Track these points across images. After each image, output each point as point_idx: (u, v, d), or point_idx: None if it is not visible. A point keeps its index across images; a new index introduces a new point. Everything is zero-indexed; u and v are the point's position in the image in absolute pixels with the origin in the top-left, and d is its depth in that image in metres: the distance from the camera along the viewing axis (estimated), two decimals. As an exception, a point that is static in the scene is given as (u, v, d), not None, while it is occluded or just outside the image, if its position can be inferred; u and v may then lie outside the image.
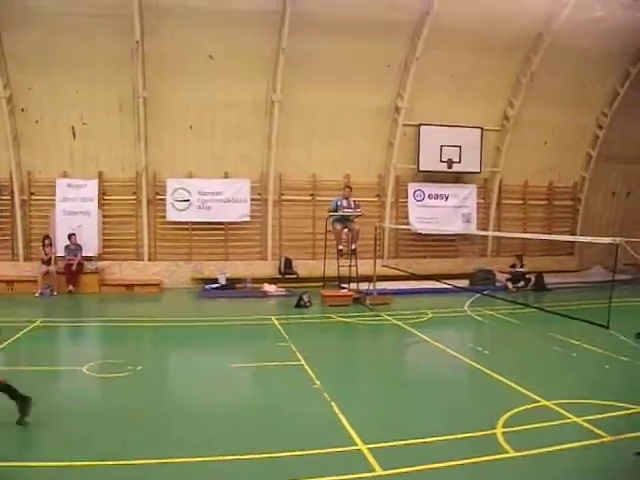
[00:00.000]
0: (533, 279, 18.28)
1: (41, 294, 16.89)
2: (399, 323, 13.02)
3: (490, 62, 18.39)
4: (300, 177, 18.75)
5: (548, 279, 18.51)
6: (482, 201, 20.41)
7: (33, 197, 18.19)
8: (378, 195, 19.34)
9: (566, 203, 21.56)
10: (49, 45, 16.70)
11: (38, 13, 16.20)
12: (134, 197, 18.24)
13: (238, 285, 17.75)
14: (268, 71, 17.53)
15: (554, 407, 7.33)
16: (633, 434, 6.29)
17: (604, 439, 6.31)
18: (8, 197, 17.94)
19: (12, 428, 6.49)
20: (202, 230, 18.42)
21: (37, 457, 5.83)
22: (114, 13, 16.20)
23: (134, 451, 5.99)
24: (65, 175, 17.96)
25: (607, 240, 8.96)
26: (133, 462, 5.70)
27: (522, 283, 18.09)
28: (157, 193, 18.29)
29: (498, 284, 18.27)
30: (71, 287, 17.22)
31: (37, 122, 17.67)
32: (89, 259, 17.85)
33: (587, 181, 21.21)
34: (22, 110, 17.58)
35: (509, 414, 7.05)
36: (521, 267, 18.35)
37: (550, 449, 6.02)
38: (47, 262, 17.24)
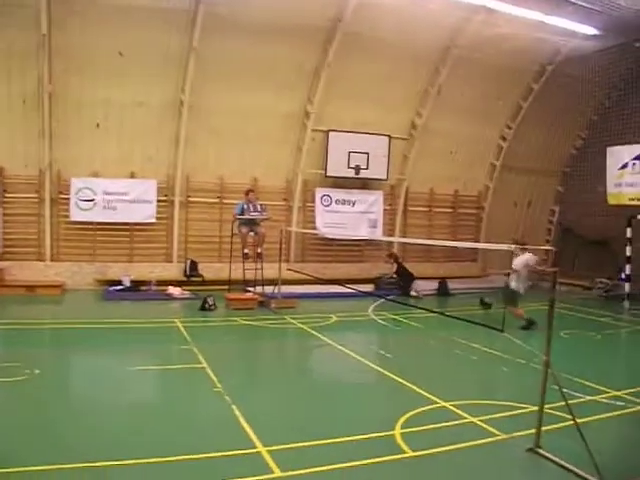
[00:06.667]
0: (437, 284, 18.91)
1: None
2: (303, 326, 13.05)
3: (400, 72, 18.66)
4: (208, 179, 18.43)
5: (452, 285, 19.06)
6: (388, 207, 20.62)
7: None
8: (285, 199, 19.29)
9: (470, 211, 22.15)
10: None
11: None
12: (36, 195, 17.40)
13: (142, 287, 17.32)
14: (178, 71, 17.11)
15: (452, 408, 7.51)
16: (526, 432, 6.50)
17: (498, 437, 6.55)
18: None
19: None
20: (107, 231, 17.77)
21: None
22: (19, 3, 15.57)
23: (27, 457, 5.75)
24: (-39, 170, 17.14)
25: (504, 247, 9.24)
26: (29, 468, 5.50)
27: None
28: (61, 192, 17.52)
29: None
30: (-34, 288, 16.45)
31: None
32: (-14, 259, 17.04)
33: (491, 190, 21.87)
34: None
35: (408, 415, 7.18)
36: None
37: (447, 448, 6.19)
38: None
